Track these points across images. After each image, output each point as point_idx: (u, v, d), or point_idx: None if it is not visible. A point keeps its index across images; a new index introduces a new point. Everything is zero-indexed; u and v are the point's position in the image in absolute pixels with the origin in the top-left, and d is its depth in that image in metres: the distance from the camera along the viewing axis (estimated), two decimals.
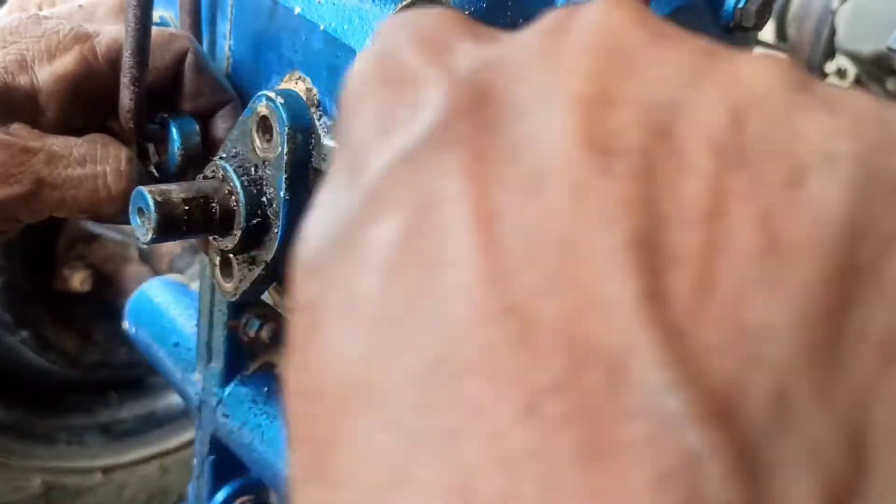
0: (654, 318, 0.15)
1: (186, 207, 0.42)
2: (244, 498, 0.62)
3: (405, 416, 0.15)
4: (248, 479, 0.60)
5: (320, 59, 0.43)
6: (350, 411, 0.16)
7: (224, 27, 0.49)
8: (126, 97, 0.44)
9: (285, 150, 0.41)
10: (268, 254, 0.43)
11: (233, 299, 0.46)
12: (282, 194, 0.42)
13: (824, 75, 1.41)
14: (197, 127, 0.47)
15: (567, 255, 0.15)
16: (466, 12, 0.43)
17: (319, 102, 0.43)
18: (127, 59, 0.43)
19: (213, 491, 0.62)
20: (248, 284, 0.45)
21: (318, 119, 0.43)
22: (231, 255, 0.45)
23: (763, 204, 0.16)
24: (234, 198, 0.43)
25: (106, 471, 1.44)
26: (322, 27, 0.42)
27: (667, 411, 0.14)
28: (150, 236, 0.42)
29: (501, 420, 0.14)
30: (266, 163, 0.42)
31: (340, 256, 0.18)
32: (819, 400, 0.15)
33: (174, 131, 0.46)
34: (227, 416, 0.57)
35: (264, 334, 0.55)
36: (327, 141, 0.42)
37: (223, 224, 0.43)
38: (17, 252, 1.36)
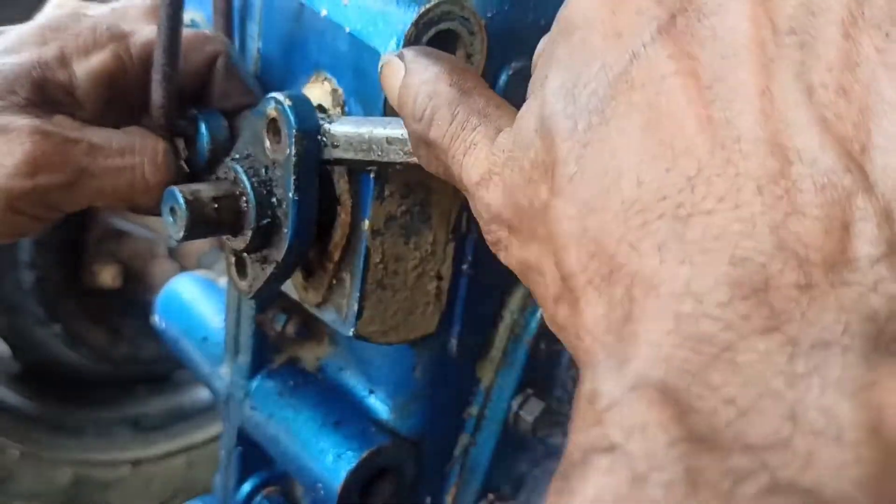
0: (821, 124, 0.23)
1: (216, 206, 0.43)
2: (269, 489, 0.63)
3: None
4: (273, 471, 0.61)
5: (346, 61, 0.44)
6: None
7: (253, 28, 0.50)
8: (157, 93, 0.46)
9: (293, 152, 0.42)
10: (279, 253, 0.44)
11: (249, 297, 0.47)
12: (290, 195, 0.42)
13: None
14: (225, 122, 0.48)
15: (764, 99, 0.23)
16: (489, 14, 0.44)
17: (345, 102, 0.44)
18: (159, 57, 0.45)
19: (240, 482, 0.63)
20: (262, 283, 0.46)
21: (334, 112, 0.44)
22: (244, 255, 0.46)
23: (879, 43, 0.23)
24: (244, 199, 0.44)
25: (134, 464, 1.46)
26: (348, 29, 0.43)
27: (842, 183, 0.22)
28: (182, 234, 0.43)
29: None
30: (275, 164, 0.43)
31: (618, 96, 0.26)
32: None
33: (203, 126, 0.48)
34: (253, 409, 0.58)
35: (290, 329, 0.56)
36: (336, 127, 0.42)
37: (235, 224, 0.44)
38: (48, 248, 1.39)
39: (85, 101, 0.46)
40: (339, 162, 0.42)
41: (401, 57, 0.36)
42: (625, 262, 0.23)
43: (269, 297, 0.48)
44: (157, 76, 0.45)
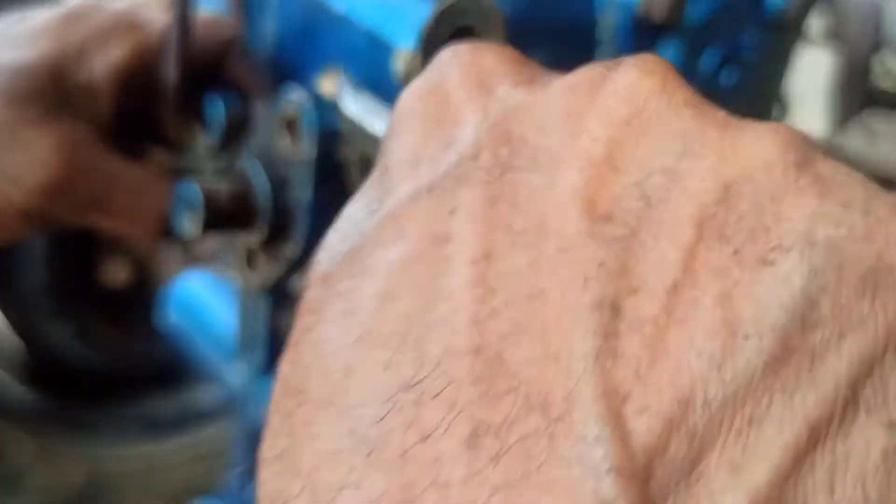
0: (599, 378, 0.16)
1: (234, 203, 0.43)
2: None
3: (368, 428, 0.17)
4: None
5: (361, 56, 0.43)
6: (324, 413, 0.18)
7: (268, 22, 0.50)
8: (172, 74, 0.46)
9: (313, 154, 0.41)
10: (292, 252, 0.44)
11: (259, 291, 0.47)
12: (307, 196, 0.42)
13: (870, 70, 1.39)
14: (240, 101, 0.48)
15: (540, 307, 0.17)
16: (507, 10, 0.43)
17: None
18: (173, 37, 0.45)
19: (251, 478, 0.62)
20: (274, 279, 0.46)
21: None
22: (256, 250, 0.46)
23: (731, 280, 0.17)
24: (259, 197, 0.44)
25: (148, 460, 1.46)
26: (363, 25, 0.43)
27: (593, 462, 0.15)
28: (198, 230, 0.43)
29: (446, 448, 0.16)
30: (292, 162, 0.43)
31: (349, 269, 0.20)
32: (729, 472, 0.16)
33: (218, 106, 0.48)
34: (266, 408, 0.58)
35: None
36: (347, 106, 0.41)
37: (250, 221, 0.44)
38: (62, 245, 1.39)
39: (101, 94, 0.45)
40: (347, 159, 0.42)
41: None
42: None
43: (279, 292, 0.48)
44: (171, 56, 0.45)
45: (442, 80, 0.22)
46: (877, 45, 1.36)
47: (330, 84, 0.45)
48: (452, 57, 0.23)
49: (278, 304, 0.56)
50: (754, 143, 0.18)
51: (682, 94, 0.20)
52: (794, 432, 0.16)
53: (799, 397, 0.16)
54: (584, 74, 0.21)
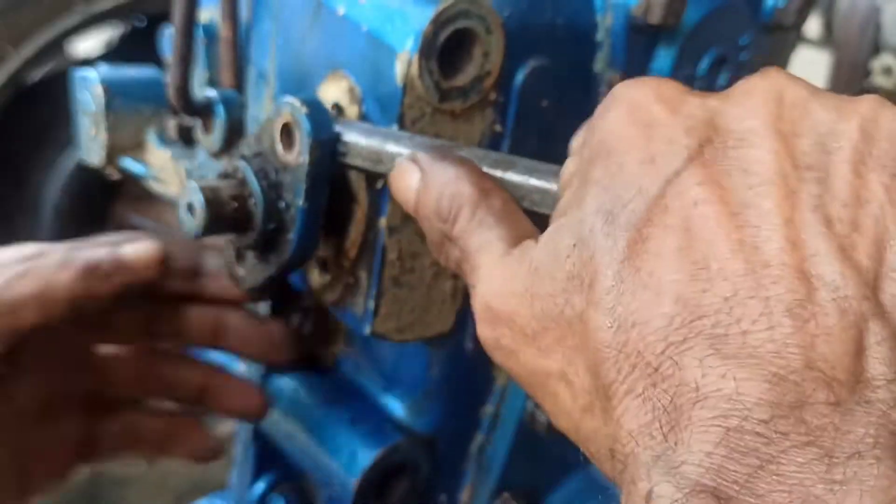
0: (841, 253, 0.25)
1: (235, 205, 0.43)
2: (284, 486, 0.63)
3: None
4: (288, 468, 0.62)
5: (363, 59, 0.44)
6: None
7: (270, 26, 0.50)
8: (175, 76, 0.46)
9: (307, 161, 0.41)
10: (281, 256, 0.44)
11: (243, 289, 0.47)
12: (300, 203, 0.42)
13: (868, 73, 1.39)
14: (240, 99, 0.49)
15: (790, 228, 0.26)
16: (506, 13, 0.44)
17: (362, 100, 0.44)
18: (175, 39, 0.45)
19: (254, 479, 0.63)
20: (260, 280, 0.46)
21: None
22: (246, 251, 0.46)
23: (885, 181, 0.26)
24: (252, 201, 0.44)
25: (150, 460, 1.47)
26: (365, 28, 0.43)
27: (860, 309, 0.24)
28: (199, 230, 0.43)
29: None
30: (286, 168, 0.43)
31: (632, 242, 0.27)
32: None
33: (219, 105, 0.48)
34: (269, 406, 0.58)
35: (306, 326, 0.56)
36: (348, 135, 0.42)
37: (244, 224, 0.44)
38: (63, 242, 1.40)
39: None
40: (347, 166, 0.42)
41: (414, 160, 0.37)
42: (669, 374, 0.24)
43: (262, 291, 0.48)
44: (173, 57, 0.46)
45: (640, 102, 0.30)
46: (875, 46, 1.36)
47: (332, 87, 0.46)
48: (637, 85, 0.31)
49: (280, 305, 0.57)
50: (873, 104, 0.28)
51: (811, 85, 0.29)
52: None
53: None
54: (745, 84, 0.30)
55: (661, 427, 0.24)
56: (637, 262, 0.27)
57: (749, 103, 0.29)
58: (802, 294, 0.24)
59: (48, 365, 0.50)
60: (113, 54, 1.39)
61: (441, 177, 0.36)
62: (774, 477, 0.21)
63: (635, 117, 0.30)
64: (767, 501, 0.21)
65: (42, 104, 1.24)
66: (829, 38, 1.57)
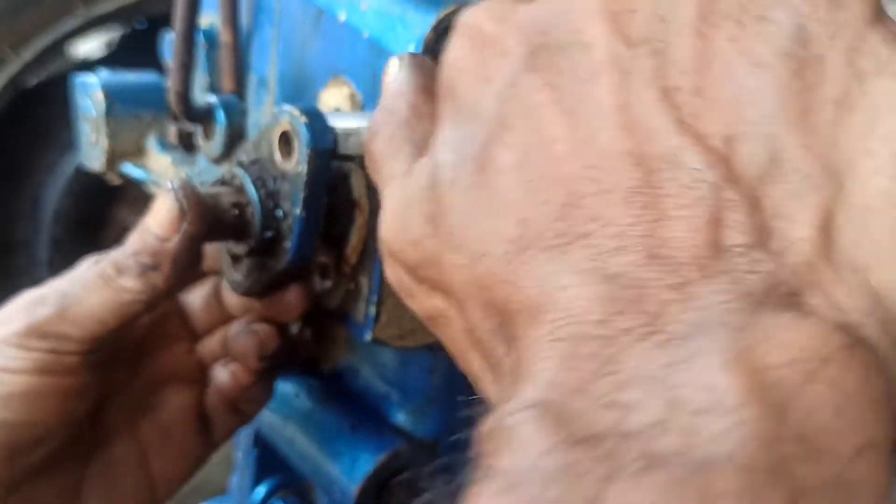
0: (679, 126, 0.23)
1: (236, 212, 0.43)
2: (285, 491, 0.63)
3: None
4: (289, 473, 0.62)
5: (364, 65, 0.44)
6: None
7: (271, 32, 0.51)
8: (175, 82, 0.46)
9: (304, 171, 0.41)
10: (277, 264, 0.44)
11: (239, 293, 0.47)
12: (297, 211, 0.42)
13: None
14: (241, 105, 0.49)
15: (623, 113, 0.24)
16: None
17: (363, 106, 0.44)
18: (176, 45, 0.45)
19: (255, 484, 0.63)
20: (255, 286, 0.46)
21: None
22: (242, 256, 0.46)
23: (732, 33, 0.24)
24: (249, 209, 0.43)
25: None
26: (366, 34, 0.43)
27: (706, 179, 0.22)
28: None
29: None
30: (284, 176, 0.43)
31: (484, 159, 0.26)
32: (802, 146, 0.22)
33: (219, 110, 0.48)
34: (269, 411, 0.58)
35: (306, 332, 0.56)
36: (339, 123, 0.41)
37: (241, 231, 0.44)
38: (66, 246, 1.40)
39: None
40: (345, 158, 0.42)
41: (401, 58, 0.35)
42: (510, 301, 0.23)
43: (259, 295, 0.48)
44: (174, 64, 0.46)
45: (473, 23, 0.29)
46: None
47: (333, 93, 0.46)
48: (473, 11, 0.30)
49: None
50: None
51: None
52: (833, 95, 0.23)
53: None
54: None
55: (512, 362, 0.23)
56: (480, 191, 0.26)
57: None
58: (640, 179, 0.23)
59: (143, 349, 0.50)
60: (113, 56, 1.39)
61: (395, 83, 0.34)
62: (614, 376, 0.20)
63: (472, 42, 0.29)
64: (603, 402, 0.20)
65: (43, 107, 1.24)
66: None
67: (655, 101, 0.24)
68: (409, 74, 0.34)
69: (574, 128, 0.24)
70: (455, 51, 0.30)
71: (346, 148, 0.41)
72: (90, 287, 0.43)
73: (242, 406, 0.51)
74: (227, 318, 0.52)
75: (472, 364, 0.27)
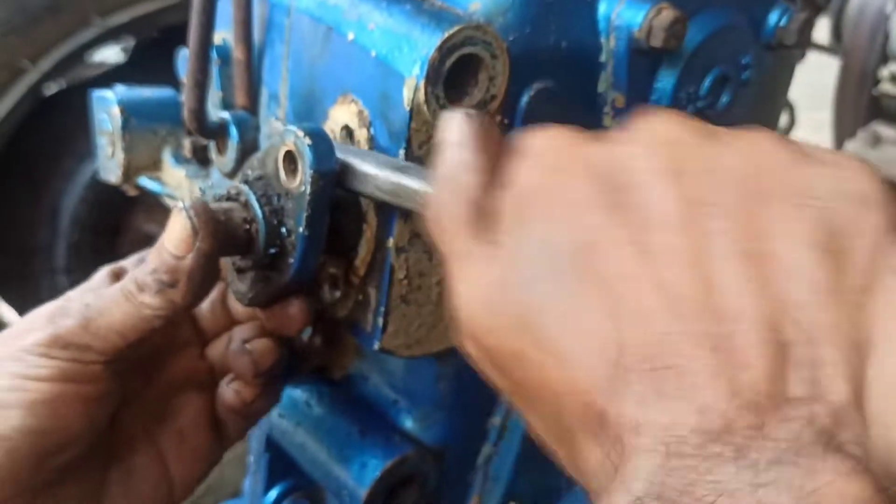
0: (752, 285, 0.27)
1: (247, 227, 0.45)
2: (296, 495, 0.64)
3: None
4: (300, 477, 0.63)
5: (372, 84, 0.45)
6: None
7: (282, 49, 0.52)
8: (190, 99, 0.48)
9: (308, 191, 0.42)
10: (281, 278, 0.45)
11: (244, 304, 0.48)
12: (301, 229, 0.43)
13: (877, 81, 1.39)
14: (253, 121, 0.50)
15: (698, 264, 0.28)
16: (511, 37, 0.45)
17: (370, 124, 0.46)
18: (191, 64, 0.47)
19: (267, 488, 0.64)
20: (260, 298, 0.47)
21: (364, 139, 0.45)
22: (247, 270, 0.47)
23: (777, 213, 0.28)
24: (254, 226, 0.45)
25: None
26: (373, 53, 0.44)
27: (778, 338, 0.27)
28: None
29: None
30: (288, 194, 0.44)
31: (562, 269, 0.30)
32: (834, 324, 0.27)
33: (232, 127, 0.49)
34: (281, 417, 0.60)
35: (317, 339, 0.57)
36: (361, 165, 0.43)
37: (247, 246, 0.45)
38: (83, 252, 1.42)
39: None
40: (359, 193, 0.43)
41: (462, 118, 0.36)
42: (614, 413, 0.27)
43: (263, 305, 0.49)
44: (189, 82, 0.47)
45: (543, 158, 0.33)
46: (884, 54, 1.36)
47: (342, 110, 0.47)
48: (542, 137, 0.34)
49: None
50: (759, 140, 0.31)
51: (696, 122, 0.32)
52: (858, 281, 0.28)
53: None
54: (640, 123, 0.32)
55: (611, 461, 0.27)
56: (571, 304, 0.29)
57: (640, 147, 0.31)
58: (721, 330, 0.27)
59: (156, 357, 0.52)
60: (130, 63, 1.41)
61: (459, 155, 0.35)
62: (710, 484, 0.25)
63: (543, 169, 0.32)
64: (703, 501, 0.25)
65: (61, 115, 1.25)
66: (837, 42, 1.57)
67: (727, 260, 0.28)
68: (473, 142, 0.35)
69: (657, 269, 0.28)
70: (528, 172, 0.33)
71: (358, 186, 0.42)
72: (112, 302, 0.45)
73: (250, 413, 0.53)
74: (234, 322, 0.54)
75: (560, 452, 0.32)
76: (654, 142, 0.31)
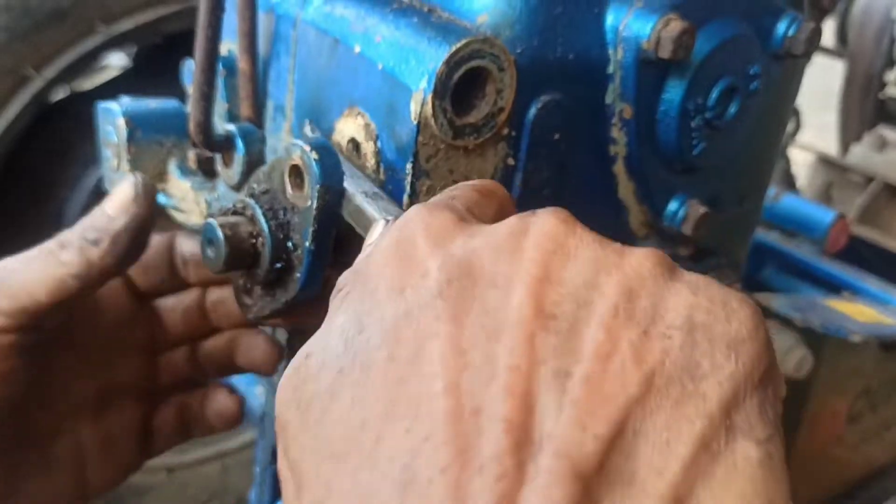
0: (575, 423, 0.24)
1: (253, 242, 0.44)
2: None
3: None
4: None
5: (378, 97, 0.45)
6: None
7: (288, 62, 0.52)
8: (196, 111, 0.47)
9: (314, 205, 0.42)
10: (288, 294, 0.45)
11: (249, 318, 0.48)
12: (307, 244, 0.43)
13: (883, 85, 1.39)
14: (259, 134, 0.50)
15: (515, 375, 0.25)
16: (518, 50, 0.45)
17: (377, 137, 0.45)
18: (196, 76, 0.46)
19: (274, 499, 0.64)
20: (266, 313, 0.46)
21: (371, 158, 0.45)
22: (253, 285, 0.47)
23: (634, 337, 0.26)
24: (259, 240, 0.44)
25: (170, 470, 1.48)
26: (380, 66, 0.44)
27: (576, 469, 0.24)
28: (220, 267, 0.44)
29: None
30: (294, 209, 0.43)
31: (352, 365, 0.27)
32: (658, 472, 0.24)
33: (238, 140, 0.49)
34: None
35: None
36: (366, 206, 0.42)
37: (255, 261, 0.45)
38: None
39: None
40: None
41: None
42: None
43: (270, 318, 0.49)
44: (195, 94, 0.47)
45: (409, 235, 0.30)
46: (889, 57, 1.36)
47: (349, 123, 0.47)
48: (413, 218, 0.31)
49: (298, 330, 0.58)
50: (640, 260, 0.28)
51: (582, 229, 0.29)
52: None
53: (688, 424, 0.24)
54: (515, 220, 0.30)
55: None
56: (353, 390, 0.27)
57: (510, 245, 0.29)
58: (507, 448, 0.23)
59: (100, 355, 0.51)
60: (133, 70, 1.41)
61: None
62: None
63: (399, 249, 0.30)
64: None
65: (66, 122, 1.26)
66: (842, 45, 1.56)
67: (550, 380, 0.25)
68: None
69: (461, 370, 0.25)
70: (383, 249, 0.31)
71: (351, 218, 0.42)
72: (29, 259, 0.44)
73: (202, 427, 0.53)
74: (204, 333, 0.53)
75: None
76: (530, 242, 0.29)
